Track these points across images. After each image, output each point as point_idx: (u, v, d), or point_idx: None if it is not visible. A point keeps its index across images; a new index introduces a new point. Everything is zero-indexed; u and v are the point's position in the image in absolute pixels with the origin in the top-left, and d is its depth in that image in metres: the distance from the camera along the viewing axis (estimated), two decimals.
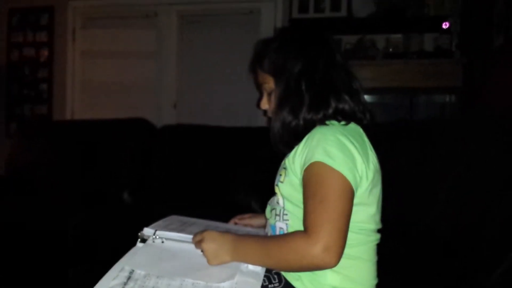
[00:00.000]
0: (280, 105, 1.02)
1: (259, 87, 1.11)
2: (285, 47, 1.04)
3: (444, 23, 2.82)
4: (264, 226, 1.21)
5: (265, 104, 1.10)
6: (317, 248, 0.81)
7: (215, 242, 0.93)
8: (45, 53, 3.66)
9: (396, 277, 1.18)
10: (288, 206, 0.99)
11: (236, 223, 1.30)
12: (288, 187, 0.98)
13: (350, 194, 0.88)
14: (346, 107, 1.00)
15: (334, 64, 1.02)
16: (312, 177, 0.90)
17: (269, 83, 1.06)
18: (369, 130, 1.03)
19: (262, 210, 1.25)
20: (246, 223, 1.29)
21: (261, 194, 2.04)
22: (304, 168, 0.91)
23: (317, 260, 0.82)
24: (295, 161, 0.96)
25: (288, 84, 1.01)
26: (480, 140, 1.47)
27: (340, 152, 0.89)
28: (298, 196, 0.94)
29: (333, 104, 0.99)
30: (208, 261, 0.92)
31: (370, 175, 0.94)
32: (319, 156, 0.89)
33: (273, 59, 1.04)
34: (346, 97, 1.00)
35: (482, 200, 1.26)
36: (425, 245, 1.42)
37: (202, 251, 0.94)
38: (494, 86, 2.29)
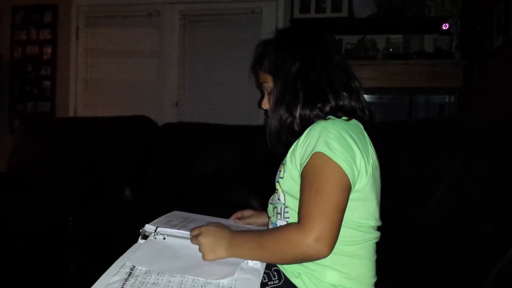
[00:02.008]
0: (277, 103, 1.03)
1: (259, 86, 1.13)
2: (284, 47, 1.06)
3: (444, 24, 2.82)
4: (265, 225, 1.21)
5: (266, 104, 1.11)
6: (309, 238, 0.82)
7: (212, 236, 0.93)
8: (48, 51, 3.66)
9: (395, 275, 1.18)
10: (289, 201, 0.99)
11: (236, 221, 1.29)
12: (289, 181, 0.98)
13: (346, 187, 0.88)
14: (346, 103, 1.01)
15: (331, 63, 1.03)
16: (311, 167, 0.90)
17: (269, 83, 1.07)
18: (369, 128, 1.03)
19: (263, 208, 1.26)
20: (247, 222, 1.28)
21: (261, 192, 2.07)
22: (304, 159, 0.92)
23: (310, 250, 0.82)
24: (296, 153, 0.96)
25: (285, 83, 1.02)
26: (478, 140, 1.48)
27: (340, 146, 0.89)
28: (299, 189, 0.93)
29: (332, 101, 1.00)
30: (204, 255, 0.92)
31: (370, 170, 0.94)
32: (319, 147, 0.89)
33: (272, 58, 1.06)
34: (345, 95, 1.01)
35: (480, 198, 1.27)
36: (424, 244, 1.42)
37: (199, 245, 0.93)
38: (494, 87, 2.29)
